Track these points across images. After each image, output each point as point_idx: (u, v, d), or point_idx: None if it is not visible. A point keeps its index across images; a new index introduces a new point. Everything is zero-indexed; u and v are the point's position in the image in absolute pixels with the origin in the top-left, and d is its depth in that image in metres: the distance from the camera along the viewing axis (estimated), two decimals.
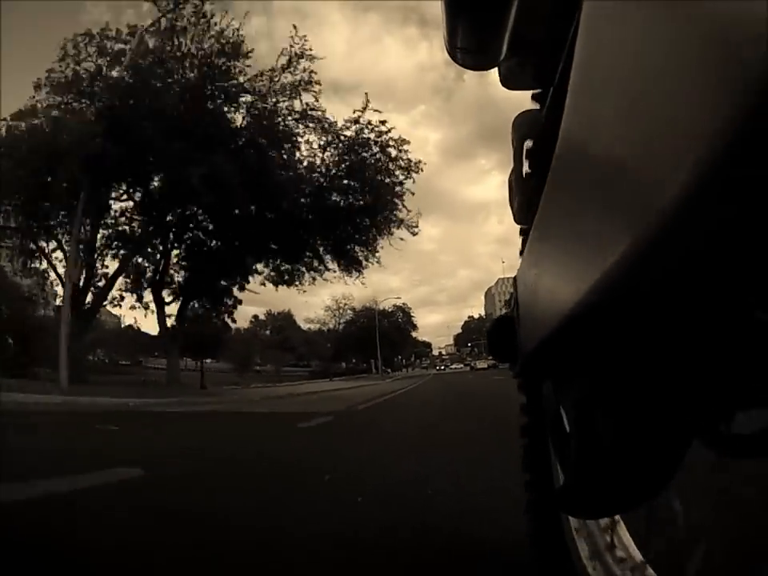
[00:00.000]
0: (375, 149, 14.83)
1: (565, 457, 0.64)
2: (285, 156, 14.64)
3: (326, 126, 14.94)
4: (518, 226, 1.00)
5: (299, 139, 15.01)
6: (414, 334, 64.47)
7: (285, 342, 48.42)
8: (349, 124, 15.04)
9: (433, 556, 1.38)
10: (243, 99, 14.31)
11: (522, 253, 0.94)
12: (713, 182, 0.20)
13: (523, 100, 0.98)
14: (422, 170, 15.76)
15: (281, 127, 14.32)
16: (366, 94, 15.63)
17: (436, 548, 1.43)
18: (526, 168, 0.88)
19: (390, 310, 45.23)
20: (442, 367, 71.10)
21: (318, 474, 2.51)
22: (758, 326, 0.33)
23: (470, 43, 0.83)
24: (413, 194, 16.15)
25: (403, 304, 49.26)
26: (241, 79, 13.98)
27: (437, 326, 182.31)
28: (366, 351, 51.59)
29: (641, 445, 0.46)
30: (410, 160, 15.46)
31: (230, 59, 13.83)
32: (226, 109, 13.97)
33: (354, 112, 15.02)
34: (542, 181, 0.62)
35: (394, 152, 15.15)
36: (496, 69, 0.97)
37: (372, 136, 15.00)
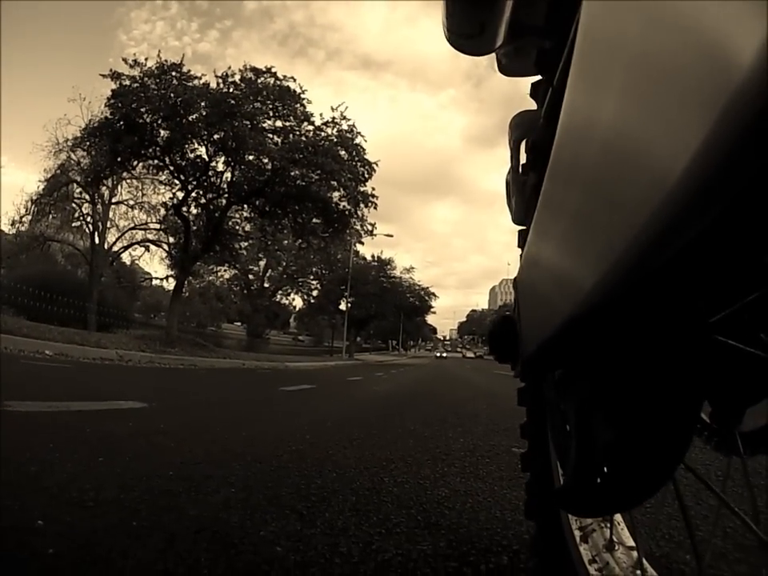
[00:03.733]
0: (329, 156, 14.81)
1: (565, 455, 0.64)
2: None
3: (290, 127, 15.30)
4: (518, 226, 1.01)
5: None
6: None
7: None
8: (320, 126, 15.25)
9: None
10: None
11: (521, 254, 0.94)
12: (711, 180, 0.20)
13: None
14: (374, 171, 15.84)
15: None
16: (342, 104, 15.66)
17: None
18: (523, 168, 0.88)
19: (414, 285, 44.82)
20: (444, 354, 73.13)
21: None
22: (757, 322, 0.33)
23: (468, 29, 0.83)
24: (375, 197, 16.27)
25: (429, 286, 49.08)
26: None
27: (444, 309, 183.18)
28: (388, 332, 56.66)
29: (641, 443, 0.46)
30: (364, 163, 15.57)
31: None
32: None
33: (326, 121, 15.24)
34: (539, 181, 0.61)
35: (346, 155, 15.20)
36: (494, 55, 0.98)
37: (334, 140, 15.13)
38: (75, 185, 20.50)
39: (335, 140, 15.06)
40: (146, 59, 13.56)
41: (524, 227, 0.99)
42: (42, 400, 3.22)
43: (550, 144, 0.51)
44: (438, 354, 71.92)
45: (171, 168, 15.23)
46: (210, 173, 15.39)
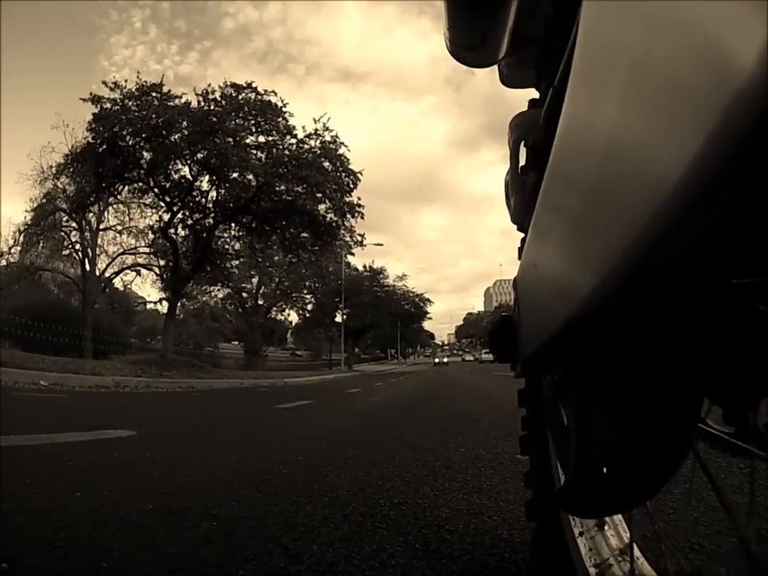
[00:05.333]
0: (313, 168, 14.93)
1: (565, 456, 0.64)
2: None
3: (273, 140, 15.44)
4: (516, 226, 1.00)
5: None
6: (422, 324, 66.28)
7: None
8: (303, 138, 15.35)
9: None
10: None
11: (520, 254, 0.93)
12: (712, 183, 0.20)
13: (532, 93, 0.98)
14: (358, 181, 15.97)
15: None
16: (324, 115, 15.72)
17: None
18: (522, 169, 0.88)
19: (408, 292, 44.94)
20: (445, 359, 63.45)
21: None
22: (758, 321, 0.33)
23: (470, 40, 0.84)
24: (362, 206, 16.36)
25: (423, 293, 49.33)
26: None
27: (440, 314, 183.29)
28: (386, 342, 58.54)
29: (641, 444, 0.46)
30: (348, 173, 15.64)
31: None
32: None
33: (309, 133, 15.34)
34: (538, 181, 0.61)
35: (330, 166, 15.31)
36: (496, 67, 0.99)
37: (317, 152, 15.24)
38: (62, 213, 20.40)
39: (318, 152, 15.12)
40: (125, 81, 13.63)
41: (523, 227, 0.99)
42: (28, 433, 3.13)
43: (549, 145, 0.51)
44: (438, 360, 59.85)
45: (156, 190, 15.23)
46: (194, 193, 15.42)
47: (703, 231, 0.22)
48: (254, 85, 14.68)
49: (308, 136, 15.17)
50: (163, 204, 15.69)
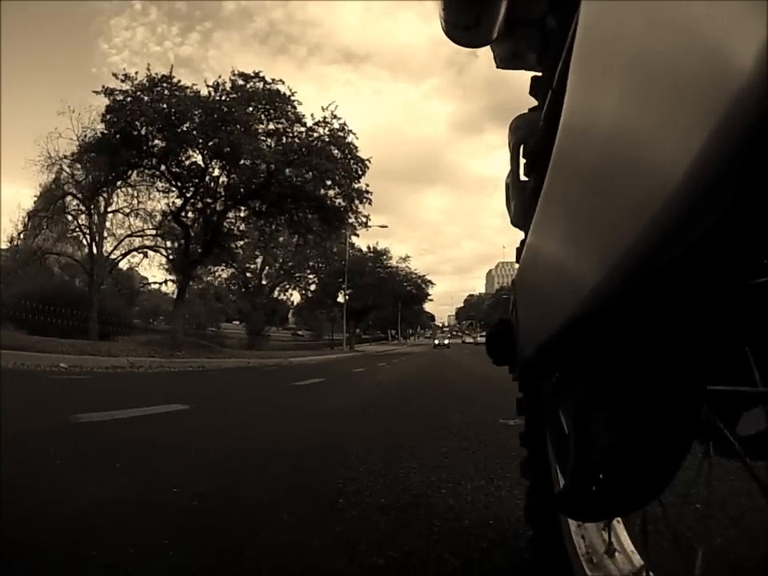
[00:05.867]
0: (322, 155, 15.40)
1: (564, 459, 0.63)
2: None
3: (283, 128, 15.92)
4: (514, 228, 1.00)
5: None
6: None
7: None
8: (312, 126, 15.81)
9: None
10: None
11: (518, 256, 0.95)
12: (713, 182, 0.20)
13: (527, 80, 0.96)
14: (367, 168, 16.49)
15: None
16: (333, 103, 16.07)
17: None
18: (522, 171, 0.89)
19: (411, 274, 45.17)
20: (446, 341, 57.33)
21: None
22: (758, 326, 0.33)
23: (465, 20, 0.83)
24: (370, 193, 16.92)
25: (425, 274, 48.98)
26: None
27: (441, 296, 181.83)
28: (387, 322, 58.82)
29: (640, 447, 0.46)
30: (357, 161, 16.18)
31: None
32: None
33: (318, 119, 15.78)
34: (538, 184, 0.62)
35: (339, 153, 15.81)
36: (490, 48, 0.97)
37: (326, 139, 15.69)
38: (71, 197, 20.77)
39: (327, 139, 15.58)
40: (136, 73, 14.02)
41: (522, 229, 0.98)
42: (97, 411, 3.57)
43: (549, 147, 0.51)
44: (438, 342, 56.10)
45: (168, 176, 15.67)
46: (206, 178, 15.89)
47: (704, 232, 0.22)
48: (261, 74, 15.10)
49: (317, 124, 15.63)
50: (175, 189, 16.19)
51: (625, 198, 0.28)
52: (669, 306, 0.32)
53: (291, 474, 2.03)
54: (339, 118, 15.71)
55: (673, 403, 0.42)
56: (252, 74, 15.09)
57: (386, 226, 35.57)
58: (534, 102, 0.93)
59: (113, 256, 23.46)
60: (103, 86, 13.84)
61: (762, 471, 0.45)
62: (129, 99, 13.75)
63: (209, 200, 16.37)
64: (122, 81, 13.91)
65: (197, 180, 15.71)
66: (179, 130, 14.25)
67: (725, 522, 1.26)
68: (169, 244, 21.77)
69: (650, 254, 0.25)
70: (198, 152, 15.30)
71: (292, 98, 15.40)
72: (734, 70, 0.18)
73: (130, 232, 22.72)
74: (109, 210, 22.36)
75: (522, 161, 0.88)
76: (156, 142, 14.60)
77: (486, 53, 1.02)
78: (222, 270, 31.19)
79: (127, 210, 22.16)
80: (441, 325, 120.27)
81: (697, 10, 0.21)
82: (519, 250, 0.98)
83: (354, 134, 16.00)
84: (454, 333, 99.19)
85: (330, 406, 4.60)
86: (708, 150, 0.19)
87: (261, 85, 15.08)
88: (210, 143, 14.68)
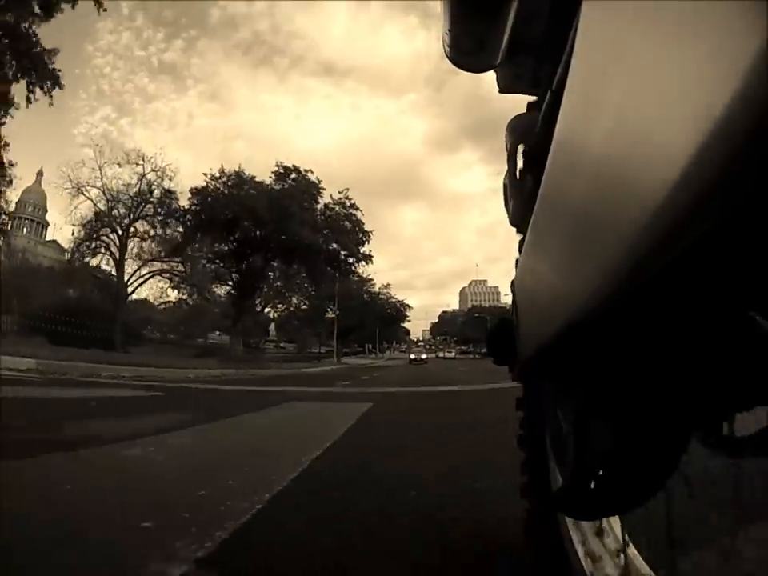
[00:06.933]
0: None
1: (563, 458, 0.64)
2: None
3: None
4: (510, 228, 1.00)
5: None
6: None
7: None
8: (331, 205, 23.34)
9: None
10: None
11: (519, 255, 0.94)
12: (709, 186, 0.20)
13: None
14: (370, 238, 24.03)
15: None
16: (347, 189, 24.48)
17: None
18: (520, 172, 0.90)
19: (391, 299, 52.68)
20: (423, 356, 49.77)
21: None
22: (756, 328, 0.34)
23: (468, 45, 0.84)
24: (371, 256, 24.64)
25: (403, 299, 57.44)
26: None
27: (415, 310, 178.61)
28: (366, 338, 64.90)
29: (638, 446, 0.46)
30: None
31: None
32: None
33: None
34: (536, 184, 0.64)
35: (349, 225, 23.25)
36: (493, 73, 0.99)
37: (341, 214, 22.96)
38: (107, 229, 24.67)
39: (343, 215, 22.87)
40: (222, 172, 21.04)
41: (521, 230, 0.95)
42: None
43: (547, 148, 0.51)
44: (414, 357, 48.41)
45: (233, 245, 22.50)
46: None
47: (702, 235, 0.22)
48: (298, 167, 22.30)
49: (334, 203, 22.92)
50: (234, 255, 23.07)
51: (623, 200, 0.28)
52: (668, 307, 0.32)
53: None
54: (350, 199, 23.07)
55: (670, 403, 0.43)
56: (291, 167, 22.10)
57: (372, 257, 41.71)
58: (521, 110, 0.96)
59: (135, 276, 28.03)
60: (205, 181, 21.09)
61: (760, 471, 0.46)
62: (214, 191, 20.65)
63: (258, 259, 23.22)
64: (213, 179, 20.85)
65: (253, 249, 22.48)
66: (246, 223, 21.06)
67: (725, 522, 1.14)
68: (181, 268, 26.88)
69: (649, 256, 0.25)
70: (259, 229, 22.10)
71: (320, 185, 22.60)
72: (733, 71, 0.18)
73: (151, 257, 27.12)
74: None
75: (520, 161, 0.90)
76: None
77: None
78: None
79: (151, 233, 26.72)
80: (416, 339, 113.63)
81: (693, 16, 0.21)
82: (520, 250, 0.96)
83: (359, 209, 23.41)
84: (429, 347, 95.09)
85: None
86: (706, 153, 0.19)
87: (298, 176, 22.10)
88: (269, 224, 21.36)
